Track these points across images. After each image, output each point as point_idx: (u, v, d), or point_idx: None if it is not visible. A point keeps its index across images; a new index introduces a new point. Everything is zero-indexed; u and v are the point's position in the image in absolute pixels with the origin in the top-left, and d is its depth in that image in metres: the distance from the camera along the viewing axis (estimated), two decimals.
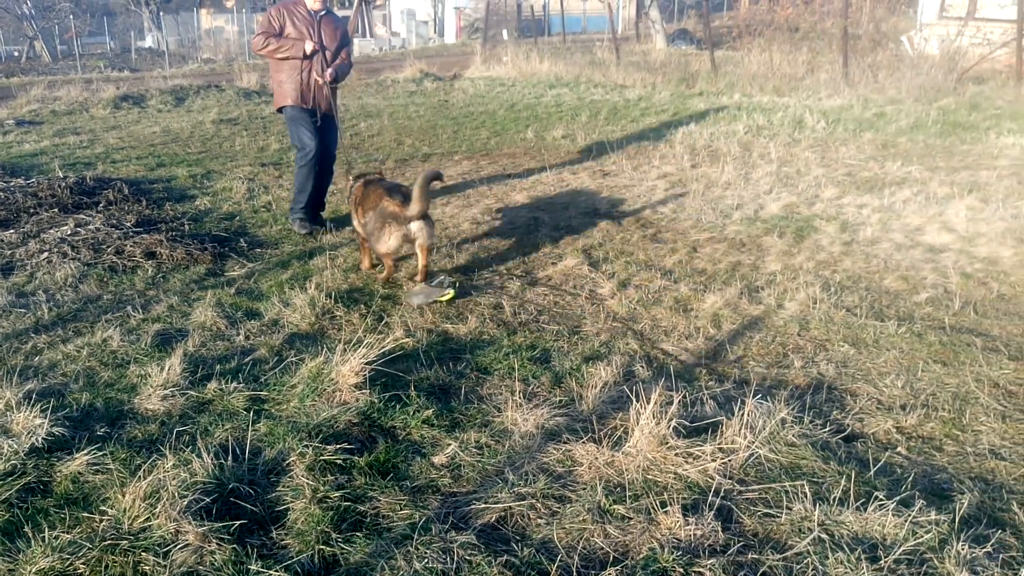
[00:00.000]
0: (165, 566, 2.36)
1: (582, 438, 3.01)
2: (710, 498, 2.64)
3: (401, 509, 2.65)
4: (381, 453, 2.97)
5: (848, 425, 3.22)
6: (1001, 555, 2.41)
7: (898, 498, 2.61)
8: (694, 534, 2.48)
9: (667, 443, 2.90)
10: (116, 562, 2.37)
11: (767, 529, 2.55)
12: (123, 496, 2.62)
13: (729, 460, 2.86)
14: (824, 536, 2.46)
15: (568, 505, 2.65)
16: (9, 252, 5.31)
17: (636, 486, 2.74)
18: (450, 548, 2.43)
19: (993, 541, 2.45)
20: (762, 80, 13.32)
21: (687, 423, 3.05)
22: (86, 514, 2.58)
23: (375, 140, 9.82)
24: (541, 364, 3.77)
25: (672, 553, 2.39)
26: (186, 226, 5.97)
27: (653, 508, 2.61)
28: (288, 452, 2.93)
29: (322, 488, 2.72)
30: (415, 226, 4.68)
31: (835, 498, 2.63)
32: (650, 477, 2.79)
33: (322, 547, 2.47)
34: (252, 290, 4.81)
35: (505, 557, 2.40)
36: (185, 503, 2.56)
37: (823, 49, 14.18)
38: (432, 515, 2.61)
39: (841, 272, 5.03)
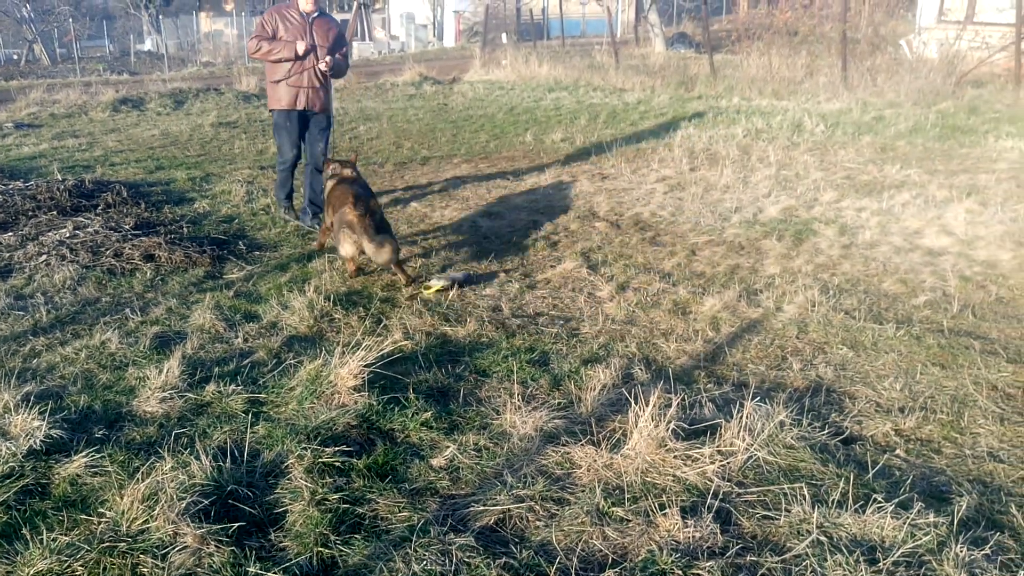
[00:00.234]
0: (163, 568, 2.35)
1: (581, 440, 3.01)
2: (709, 500, 2.64)
3: (400, 511, 2.65)
4: (380, 455, 2.97)
5: (847, 428, 3.22)
6: (999, 557, 2.41)
7: (897, 500, 2.61)
8: (693, 536, 2.48)
9: (666, 445, 2.90)
10: (114, 564, 2.37)
11: (766, 531, 2.55)
12: (121, 498, 2.61)
13: (728, 462, 2.86)
14: (823, 538, 2.46)
15: (567, 507, 2.65)
16: (8, 255, 5.31)
17: (635, 488, 2.74)
18: (449, 550, 2.42)
19: (992, 543, 2.45)
20: (761, 84, 13.34)
21: (686, 426, 3.05)
22: (84, 516, 2.58)
23: (374, 143, 9.83)
24: (540, 367, 3.77)
25: (671, 555, 2.39)
26: (185, 229, 5.97)
27: (652, 510, 2.61)
28: (287, 454, 2.93)
29: (321, 490, 2.71)
30: (368, 248, 4.78)
31: (834, 500, 2.63)
32: (649, 479, 2.79)
33: (321, 549, 2.46)
34: (251, 293, 4.81)
35: (504, 559, 2.40)
36: (183, 505, 2.56)
37: (822, 53, 14.21)
38: (431, 517, 2.61)
39: (840, 275, 5.03)
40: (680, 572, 2.33)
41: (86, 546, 2.41)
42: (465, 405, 3.38)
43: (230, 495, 2.69)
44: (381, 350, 3.57)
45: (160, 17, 34.88)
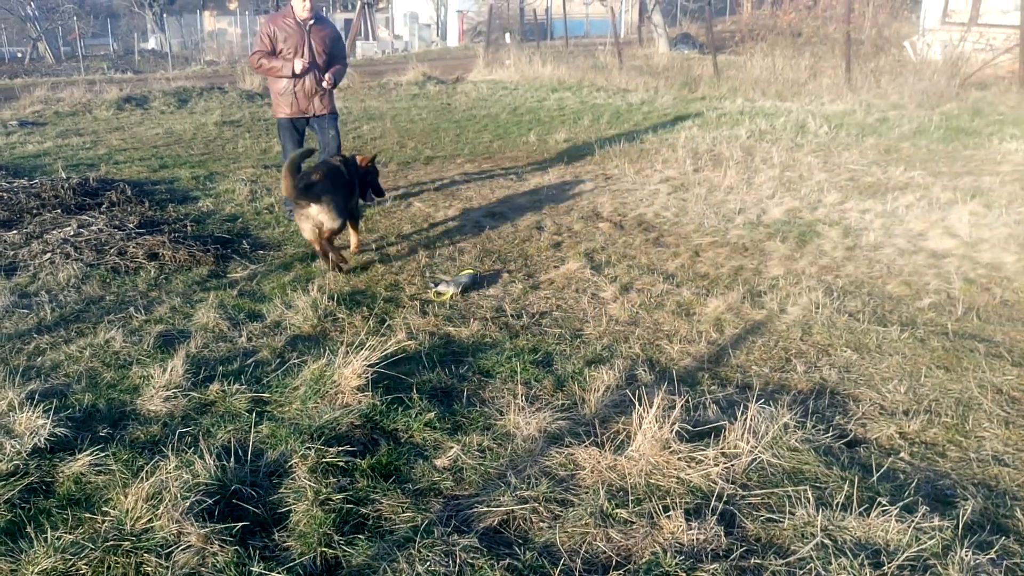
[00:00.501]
0: (167, 567, 2.36)
1: (584, 442, 3.00)
2: (713, 503, 2.64)
3: (403, 512, 2.65)
4: (383, 456, 2.97)
5: (851, 430, 3.22)
6: (1005, 562, 2.41)
7: (901, 504, 2.60)
8: (697, 539, 2.48)
9: (670, 447, 2.90)
10: (118, 563, 2.37)
11: (770, 534, 2.55)
12: (125, 497, 2.62)
13: (732, 465, 2.86)
14: (827, 541, 2.45)
15: (570, 509, 2.65)
16: (12, 253, 5.32)
17: (639, 490, 2.74)
18: (452, 551, 2.42)
19: (997, 548, 2.44)
20: (764, 85, 13.33)
21: (690, 427, 3.05)
22: (88, 515, 2.58)
23: (378, 143, 9.83)
24: (543, 367, 3.77)
25: (675, 558, 2.38)
26: (189, 228, 5.98)
27: (656, 512, 2.60)
28: (290, 454, 2.93)
29: (324, 490, 2.71)
30: (312, 210, 4.89)
31: (838, 503, 2.63)
32: (653, 481, 2.78)
33: (324, 549, 2.46)
34: (254, 292, 4.81)
35: (508, 561, 2.40)
36: (187, 504, 2.56)
37: (826, 54, 14.18)
38: (434, 518, 2.61)
39: (844, 277, 5.03)
40: (684, 575, 2.33)
41: (90, 545, 2.41)
42: (469, 406, 3.38)
43: (234, 495, 2.69)
44: (385, 350, 3.57)
45: (164, 15, 34.93)
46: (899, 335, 4.11)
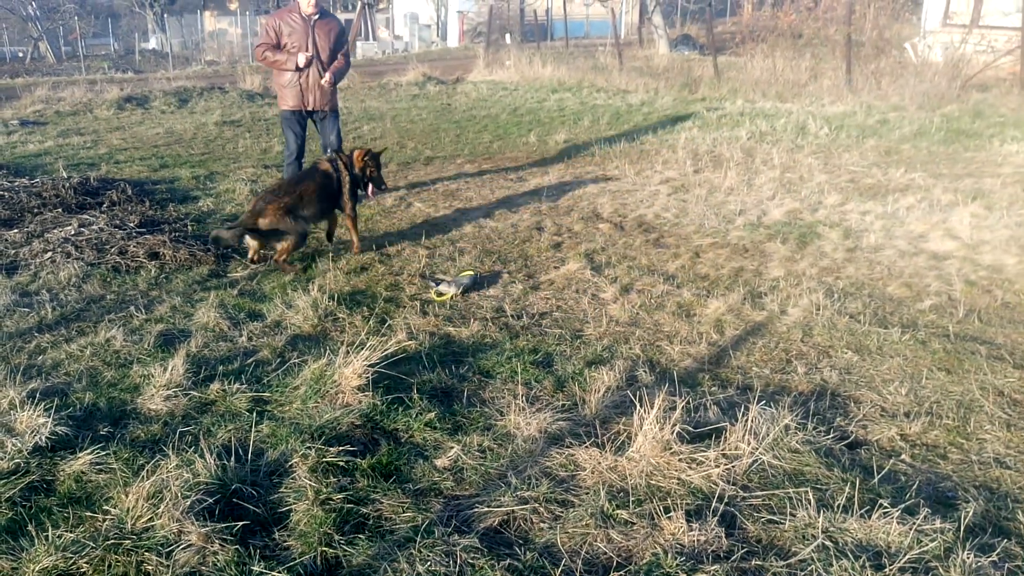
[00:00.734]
0: (168, 566, 2.35)
1: (585, 442, 3.00)
2: (714, 504, 2.63)
3: (404, 512, 2.65)
4: (384, 455, 2.96)
5: (852, 432, 3.21)
6: (1007, 564, 2.40)
7: (903, 506, 2.60)
8: (698, 540, 2.48)
9: (670, 448, 2.90)
10: (119, 561, 2.37)
11: (771, 536, 2.54)
12: (126, 496, 2.61)
13: (733, 466, 2.85)
14: (828, 543, 2.45)
15: (571, 509, 2.65)
16: (13, 251, 5.32)
17: (639, 491, 2.73)
18: (453, 551, 2.42)
19: (999, 550, 2.44)
20: (765, 86, 13.33)
21: (690, 428, 3.05)
22: (89, 513, 2.58)
23: (378, 143, 9.82)
24: (543, 368, 3.76)
25: (676, 559, 2.38)
26: (189, 227, 5.98)
27: (656, 513, 2.60)
28: (290, 453, 2.93)
29: (324, 490, 2.71)
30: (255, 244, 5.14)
31: (839, 505, 2.63)
32: (653, 482, 2.78)
33: (325, 549, 2.46)
34: (255, 291, 4.81)
35: (508, 561, 2.40)
36: (188, 503, 2.55)
37: (826, 55, 14.19)
38: (435, 518, 2.61)
39: (844, 279, 5.03)
40: None
41: (91, 543, 2.41)
42: (469, 406, 3.38)
43: (234, 494, 2.69)
44: (385, 350, 3.57)
45: (165, 16, 34.94)
46: (900, 337, 4.10)
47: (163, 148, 9.32)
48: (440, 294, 4.69)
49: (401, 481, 2.83)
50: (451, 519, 2.61)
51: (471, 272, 4.94)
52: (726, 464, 2.85)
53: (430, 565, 2.37)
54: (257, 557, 2.40)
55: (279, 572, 2.34)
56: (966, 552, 2.39)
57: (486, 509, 2.64)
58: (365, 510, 2.66)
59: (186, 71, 21.16)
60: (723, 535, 2.50)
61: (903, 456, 3.05)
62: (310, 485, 2.73)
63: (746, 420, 3.01)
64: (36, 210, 6.16)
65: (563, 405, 3.37)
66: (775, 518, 2.60)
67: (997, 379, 3.65)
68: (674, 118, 11.33)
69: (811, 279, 4.98)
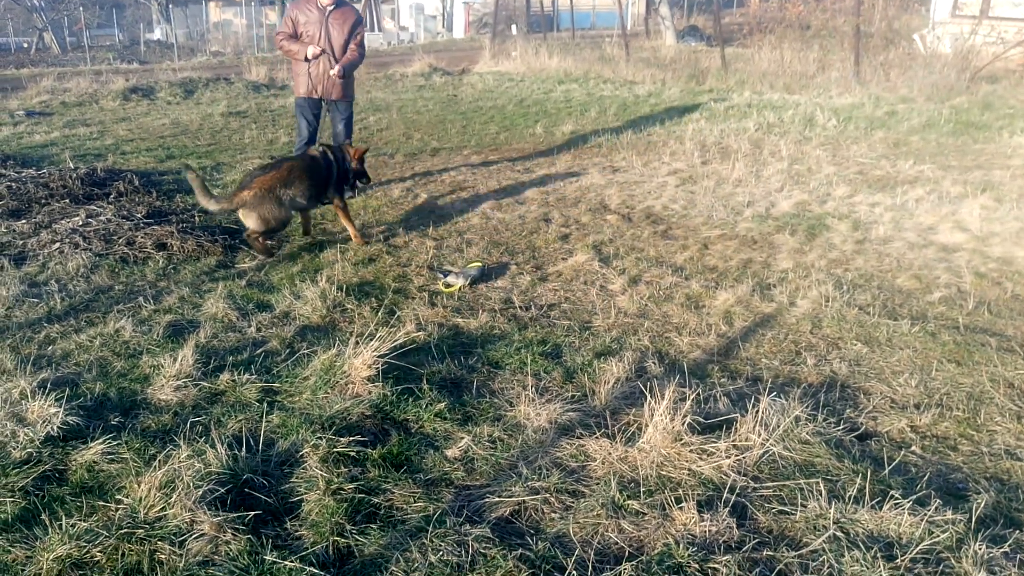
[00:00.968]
0: (181, 555, 2.36)
1: (595, 433, 3.00)
2: (725, 495, 2.63)
3: (415, 501, 2.65)
4: (394, 446, 2.97)
5: (862, 423, 3.21)
6: (1018, 555, 2.40)
7: (914, 497, 2.59)
8: (709, 530, 2.48)
9: (681, 439, 2.90)
10: (132, 551, 2.38)
11: (782, 526, 2.54)
12: (138, 485, 2.62)
13: (743, 457, 2.85)
14: (840, 534, 2.45)
15: (582, 500, 2.65)
16: (21, 242, 5.33)
17: (650, 482, 2.73)
18: (465, 541, 2.43)
19: (1010, 541, 2.44)
20: (773, 77, 13.27)
21: (701, 420, 3.04)
22: (102, 503, 2.59)
23: (384, 134, 9.82)
24: (552, 359, 3.76)
25: (687, 549, 2.38)
26: (196, 218, 5.98)
27: (668, 504, 2.60)
28: (301, 444, 2.93)
29: (336, 480, 2.72)
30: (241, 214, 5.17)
31: (850, 496, 2.63)
32: (664, 473, 2.78)
33: (337, 538, 2.47)
34: (263, 282, 4.81)
35: (520, 551, 2.40)
36: (200, 493, 2.56)
37: (834, 47, 14.11)
38: (446, 508, 2.61)
39: (853, 270, 5.01)
40: (696, 566, 2.33)
41: (104, 532, 2.42)
42: (479, 396, 3.38)
43: (246, 484, 2.70)
44: (394, 341, 3.57)
45: (170, 6, 34.89)
46: (910, 329, 4.09)
47: (169, 139, 9.32)
48: (448, 285, 4.69)
49: (412, 471, 2.84)
50: (462, 509, 2.62)
51: (479, 263, 4.94)
52: (736, 455, 2.85)
53: (442, 555, 2.37)
54: (269, 547, 2.41)
55: (291, 561, 2.35)
56: (978, 543, 2.38)
57: (497, 499, 2.65)
58: (376, 500, 2.66)
59: (191, 62, 21.13)
60: (734, 525, 2.50)
61: (913, 448, 3.05)
62: (321, 475, 2.74)
63: (756, 411, 3.01)
64: (44, 200, 6.17)
65: (573, 396, 3.37)
66: (786, 509, 2.60)
67: (1007, 371, 3.64)
68: (681, 109, 11.28)
69: (820, 271, 4.97)
